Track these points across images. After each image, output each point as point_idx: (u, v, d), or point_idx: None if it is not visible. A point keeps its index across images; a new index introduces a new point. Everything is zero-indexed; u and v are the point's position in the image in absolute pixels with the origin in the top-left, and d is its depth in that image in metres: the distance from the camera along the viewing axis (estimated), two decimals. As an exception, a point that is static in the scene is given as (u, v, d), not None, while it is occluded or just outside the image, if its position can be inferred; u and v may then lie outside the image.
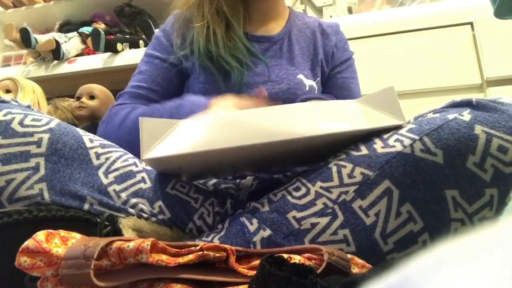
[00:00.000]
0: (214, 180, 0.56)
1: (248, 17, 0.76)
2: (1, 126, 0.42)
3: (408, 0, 1.49)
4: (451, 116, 0.40)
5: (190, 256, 0.33)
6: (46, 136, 0.43)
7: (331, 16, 1.65)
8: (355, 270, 0.36)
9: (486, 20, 1.22)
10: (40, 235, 0.30)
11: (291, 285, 0.26)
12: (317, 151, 0.50)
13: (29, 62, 1.93)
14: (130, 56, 1.66)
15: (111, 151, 0.48)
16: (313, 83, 0.73)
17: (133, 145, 0.48)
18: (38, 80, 1.59)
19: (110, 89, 1.58)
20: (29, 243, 0.29)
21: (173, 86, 0.73)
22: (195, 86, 0.71)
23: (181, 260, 0.32)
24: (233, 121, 0.43)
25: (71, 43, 1.83)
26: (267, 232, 0.42)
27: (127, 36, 1.80)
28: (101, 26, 1.90)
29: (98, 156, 0.46)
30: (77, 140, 0.45)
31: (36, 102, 1.46)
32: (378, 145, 0.42)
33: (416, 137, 0.40)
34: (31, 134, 0.43)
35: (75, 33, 1.89)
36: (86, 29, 1.87)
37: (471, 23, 1.26)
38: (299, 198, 0.42)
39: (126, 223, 0.42)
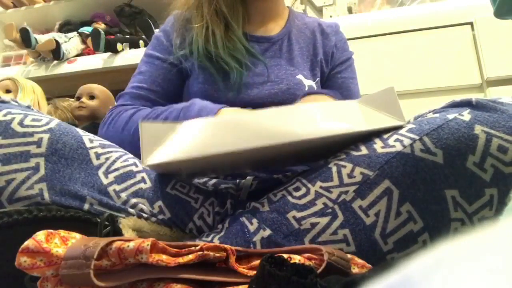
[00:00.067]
0: (214, 180, 0.56)
1: (248, 17, 0.76)
2: (1, 126, 0.42)
3: (408, 0, 1.49)
4: (451, 116, 0.40)
5: (190, 256, 0.33)
6: (46, 136, 0.43)
7: (331, 16, 1.65)
8: (355, 270, 0.36)
9: (486, 20, 1.22)
10: (40, 235, 0.30)
11: (291, 285, 0.26)
12: (317, 151, 0.50)
13: (29, 62, 1.93)
14: (130, 56, 1.66)
15: (111, 151, 0.48)
16: (313, 83, 0.73)
17: (136, 147, 0.48)
18: (38, 80, 1.59)
19: (110, 89, 1.58)
20: (29, 243, 0.29)
21: (173, 86, 0.73)
22: (194, 86, 0.71)
23: (181, 260, 0.32)
24: (233, 124, 0.43)
25: (71, 43, 1.83)
26: (267, 232, 0.42)
27: (127, 36, 1.80)
28: (101, 26, 1.90)
29: (98, 156, 0.46)
30: (77, 140, 0.45)
31: (36, 102, 1.46)
32: (378, 145, 0.42)
33: (416, 137, 0.40)
34: (31, 134, 0.43)
35: (75, 33, 1.89)
36: (86, 29, 1.88)
37: (471, 23, 1.26)
38: (299, 198, 0.42)
39: (126, 223, 0.42)
